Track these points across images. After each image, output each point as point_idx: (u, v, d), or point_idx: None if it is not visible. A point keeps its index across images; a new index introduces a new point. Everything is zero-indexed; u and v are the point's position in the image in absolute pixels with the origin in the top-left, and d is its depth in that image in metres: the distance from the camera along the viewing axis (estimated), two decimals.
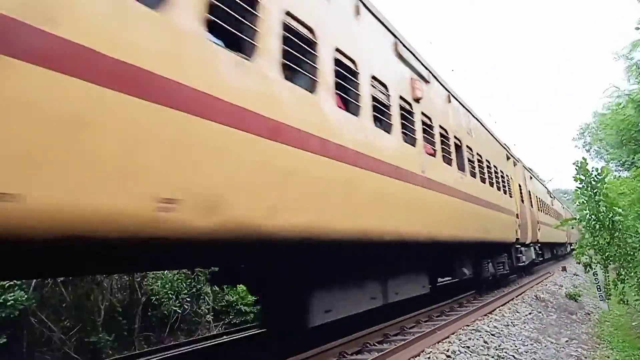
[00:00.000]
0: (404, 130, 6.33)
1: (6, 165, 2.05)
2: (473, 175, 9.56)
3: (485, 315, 8.27)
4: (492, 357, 5.63)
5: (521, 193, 15.08)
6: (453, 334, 6.43)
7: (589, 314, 11.31)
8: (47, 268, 3.83)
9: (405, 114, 6.46)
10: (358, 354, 5.60)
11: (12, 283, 7.32)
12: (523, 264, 14.22)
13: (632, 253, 8.36)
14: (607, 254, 8.64)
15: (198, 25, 3.06)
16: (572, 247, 20.61)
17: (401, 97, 6.35)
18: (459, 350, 5.52)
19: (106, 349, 8.45)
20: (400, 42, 6.73)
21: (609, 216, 8.25)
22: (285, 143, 3.73)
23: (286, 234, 3.73)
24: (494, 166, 11.65)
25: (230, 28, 3.35)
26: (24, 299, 7.37)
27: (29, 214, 2.12)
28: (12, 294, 7.24)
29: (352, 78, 5.07)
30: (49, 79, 2.17)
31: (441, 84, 8.62)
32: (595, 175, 8.57)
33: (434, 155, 7.25)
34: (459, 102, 9.69)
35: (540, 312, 9.61)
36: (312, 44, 4.38)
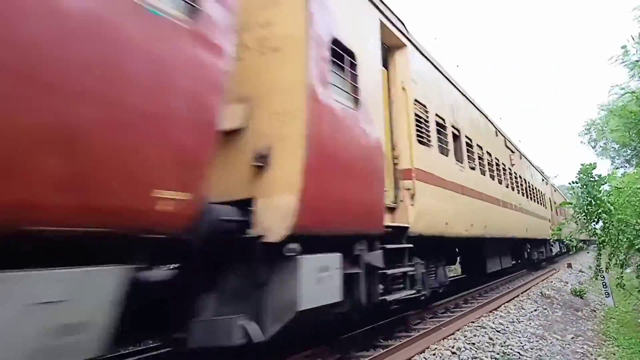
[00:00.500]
0: (511, 182, 13.67)
1: None
2: (532, 199, 17.40)
3: (491, 311, 8.29)
4: (498, 353, 5.64)
5: (550, 204, 22.84)
6: (458, 330, 6.44)
7: (594, 311, 11.28)
8: None
9: (511, 174, 13.93)
10: (363, 351, 5.59)
11: None
12: (552, 253, 22.39)
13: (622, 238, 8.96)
14: (601, 239, 9.52)
15: (454, 158, 8.40)
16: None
17: (508, 167, 13.65)
18: (464, 347, 5.53)
19: None
20: (505, 138, 14.28)
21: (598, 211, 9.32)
22: (452, 190, 7.91)
23: (468, 234, 8.63)
24: (539, 190, 19.92)
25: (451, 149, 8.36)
26: None
27: None
28: None
29: (472, 149, 9.75)
30: (428, 188, 6.79)
31: (523, 155, 17.19)
32: (595, 181, 9.35)
33: (523, 195, 15.50)
34: (527, 160, 18.38)
35: (545, 309, 9.60)
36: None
